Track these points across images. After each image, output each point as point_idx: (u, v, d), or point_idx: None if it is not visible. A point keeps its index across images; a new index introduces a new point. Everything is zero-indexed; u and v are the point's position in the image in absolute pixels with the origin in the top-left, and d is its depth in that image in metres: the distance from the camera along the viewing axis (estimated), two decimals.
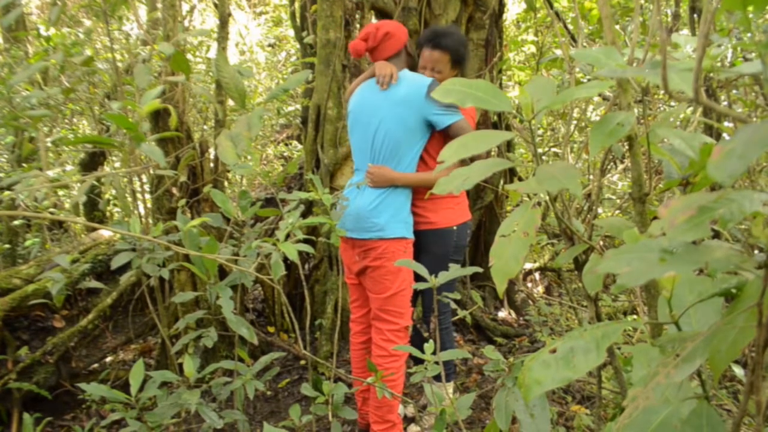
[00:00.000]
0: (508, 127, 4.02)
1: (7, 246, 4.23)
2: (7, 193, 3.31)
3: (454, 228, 2.53)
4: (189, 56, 5.48)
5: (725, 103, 2.94)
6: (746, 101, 2.84)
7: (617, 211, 4.50)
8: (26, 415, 2.27)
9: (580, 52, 0.95)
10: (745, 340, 0.69)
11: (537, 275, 4.91)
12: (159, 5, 3.25)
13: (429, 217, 2.52)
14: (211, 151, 3.54)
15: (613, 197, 5.04)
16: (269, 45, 8.89)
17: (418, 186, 2.44)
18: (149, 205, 3.39)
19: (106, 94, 4.44)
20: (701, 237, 0.58)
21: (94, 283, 2.63)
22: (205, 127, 5.20)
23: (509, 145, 4.44)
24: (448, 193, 0.92)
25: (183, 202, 2.90)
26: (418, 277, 2.42)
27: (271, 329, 3.80)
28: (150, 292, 2.74)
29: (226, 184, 3.91)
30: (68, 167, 4.90)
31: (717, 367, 0.71)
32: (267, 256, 1.85)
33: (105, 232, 3.70)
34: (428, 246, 2.53)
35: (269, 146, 7.36)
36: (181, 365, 2.11)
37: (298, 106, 6.11)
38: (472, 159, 0.94)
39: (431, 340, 1.78)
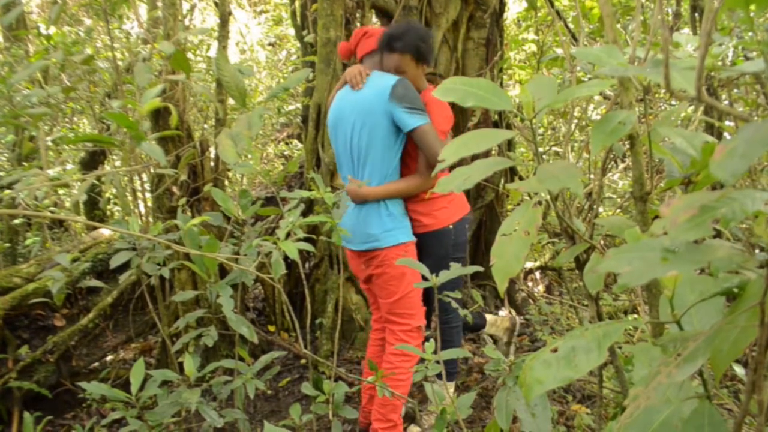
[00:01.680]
0: (509, 126, 4.02)
1: (8, 245, 4.24)
2: (7, 191, 3.31)
3: (451, 227, 2.53)
4: (189, 55, 5.48)
5: (726, 102, 2.94)
6: (747, 100, 2.84)
7: (618, 210, 4.50)
8: (27, 414, 2.27)
9: (581, 50, 0.95)
10: (746, 339, 0.69)
11: (538, 274, 4.91)
12: (159, 4, 3.25)
13: (423, 221, 2.51)
14: (212, 149, 3.54)
15: (614, 196, 5.03)
16: (270, 44, 8.88)
17: (392, 197, 2.42)
18: (150, 203, 3.39)
19: (106, 92, 4.44)
20: (703, 236, 0.58)
21: (94, 282, 2.63)
22: (205, 125, 5.20)
23: (510, 144, 4.43)
24: (449, 192, 0.92)
25: (183, 200, 2.90)
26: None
27: (272, 328, 3.80)
28: (150, 291, 2.74)
29: (226, 182, 3.91)
30: (68, 166, 4.90)
31: (718, 366, 0.71)
32: (267, 255, 1.85)
33: (105, 231, 3.70)
34: (427, 248, 2.53)
35: (270, 145, 7.35)
36: (181, 364, 2.11)
37: (299, 105, 6.10)
38: (473, 158, 0.94)
39: (432, 339, 1.78)
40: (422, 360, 1.75)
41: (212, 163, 3.47)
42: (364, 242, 2.41)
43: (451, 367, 2.74)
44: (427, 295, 2.64)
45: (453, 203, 2.57)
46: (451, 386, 2.74)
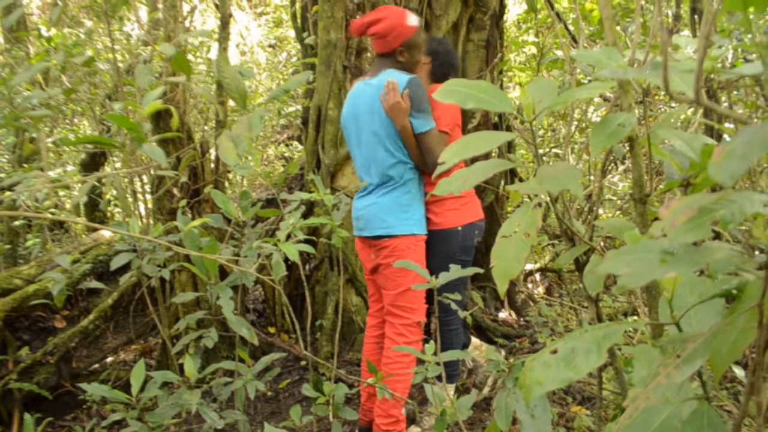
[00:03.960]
0: (509, 128, 4.02)
1: (8, 246, 4.24)
2: (8, 193, 3.31)
3: (459, 229, 2.56)
4: (190, 57, 5.49)
5: (726, 104, 2.94)
6: (747, 102, 2.84)
7: (618, 212, 4.50)
8: (27, 416, 2.27)
9: (581, 53, 0.95)
10: (745, 341, 0.69)
11: (538, 276, 4.91)
12: (160, 6, 3.25)
13: (433, 219, 2.55)
14: (212, 151, 3.54)
15: (614, 198, 5.04)
16: (270, 46, 8.89)
17: (407, 139, 2.38)
18: (150, 205, 3.40)
19: (107, 94, 4.45)
20: (702, 238, 0.58)
21: (94, 284, 2.63)
22: (206, 127, 5.20)
23: (510, 146, 4.44)
24: (449, 193, 0.92)
25: (184, 202, 2.90)
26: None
27: (272, 330, 3.80)
28: (151, 293, 2.74)
29: (226, 184, 3.92)
30: (69, 168, 4.91)
31: (718, 367, 0.71)
32: (268, 257, 1.86)
33: (106, 233, 3.70)
34: (434, 246, 2.56)
35: (270, 147, 7.36)
36: (181, 365, 2.12)
37: (299, 107, 6.11)
38: (473, 160, 0.95)
39: (432, 341, 1.78)
40: (422, 361, 1.76)
41: (213, 165, 3.48)
42: (377, 228, 2.42)
43: (451, 369, 2.74)
44: (429, 294, 2.65)
45: (465, 207, 2.60)
46: (451, 388, 2.74)
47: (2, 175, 4.34)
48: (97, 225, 1.62)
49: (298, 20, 4.40)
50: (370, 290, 2.74)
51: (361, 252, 2.63)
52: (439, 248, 2.56)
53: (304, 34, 4.20)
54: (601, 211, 4.69)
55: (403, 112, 2.32)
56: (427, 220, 2.55)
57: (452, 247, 2.56)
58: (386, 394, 1.95)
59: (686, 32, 3.65)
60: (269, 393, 3.26)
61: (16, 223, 4.31)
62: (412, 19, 2.41)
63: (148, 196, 3.37)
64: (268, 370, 2.35)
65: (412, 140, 2.38)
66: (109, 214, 5.33)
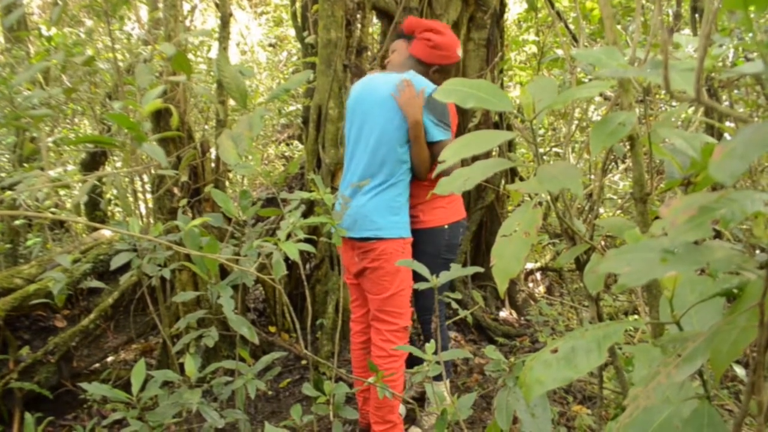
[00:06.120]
0: (509, 127, 4.02)
1: (9, 246, 4.24)
2: (8, 192, 3.31)
3: (446, 227, 2.55)
4: (190, 56, 5.49)
5: (727, 103, 2.94)
6: (748, 101, 2.84)
7: (619, 211, 4.50)
8: (28, 415, 2.27)
9: (581, 52, 0.95)
10: (746, 340, 0.69)
11: (538, 275, 4.91)
12: (160, 5, 3.25)
13: (420, 217, 2.54)
14: (213, 150, 3.54)
15: (615, 197, 5.03)
16: (270, 45, 8.89)
17: (417, 144, 2.39)
18: (150, 204, 3.40)
19: (107, 93, 4.45)
20: (702, 237, 0.58)
21: (95, 283, 2.63)
22: (206, 126, 5.21)
23: (510, 145, 4.43)
24: (449, 193, 0.92)
25: (184, 201, 2.90)
26: (416, 277, 2.42)
27: (273, 329, 3.80)
28: (151, 292, 2.74)
29: (227, 183, 3.92)
30: (69, 167, 4.91)
31: (718, 367, 0.71)
32: (268, 256, 1.86)
33: (106, 232, 3.70)
34: (419, 245, 2.55)
35: (270, 146, 7.36)
36: (182, 365, 2.11)
37: (300, 106, 6.11)
38: (474, 159, 0.95)
39: (432, 340, 1.78)
40: (413, 363, 1.75)
41: (213, 164, 3.47)
42: (364, 229, 2.39)
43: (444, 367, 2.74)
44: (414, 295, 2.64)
45: (451, 205, 2.59)
46: (446, 385, 2.75)
47: (3, 174, 4.34)
48: (97, 224, 1.62)
49: (299, 19, 4.40)
50: (353, 295, 2.69)
51: (344, 254, 2.59)
52: (426, 247, 2.55)
53: (305, 33, 4.19)
54: (601, 210, 4.69)
55: (418, 107, 2.33)
56: (416, 218, 2.53)
57: (439, 245, 2.55)
58: (387, 393, 1.95)
59: (687, 31, 3.65)
60: (270, 392, 3.26)
61: (17, 222, 4.31)
62: (460, 52, 2.58)
63: (149, 196, 3.38)
64: (269, 370, 2.35)
65: (421, 136, 2.36)
66: (109, 214, 5.33)
